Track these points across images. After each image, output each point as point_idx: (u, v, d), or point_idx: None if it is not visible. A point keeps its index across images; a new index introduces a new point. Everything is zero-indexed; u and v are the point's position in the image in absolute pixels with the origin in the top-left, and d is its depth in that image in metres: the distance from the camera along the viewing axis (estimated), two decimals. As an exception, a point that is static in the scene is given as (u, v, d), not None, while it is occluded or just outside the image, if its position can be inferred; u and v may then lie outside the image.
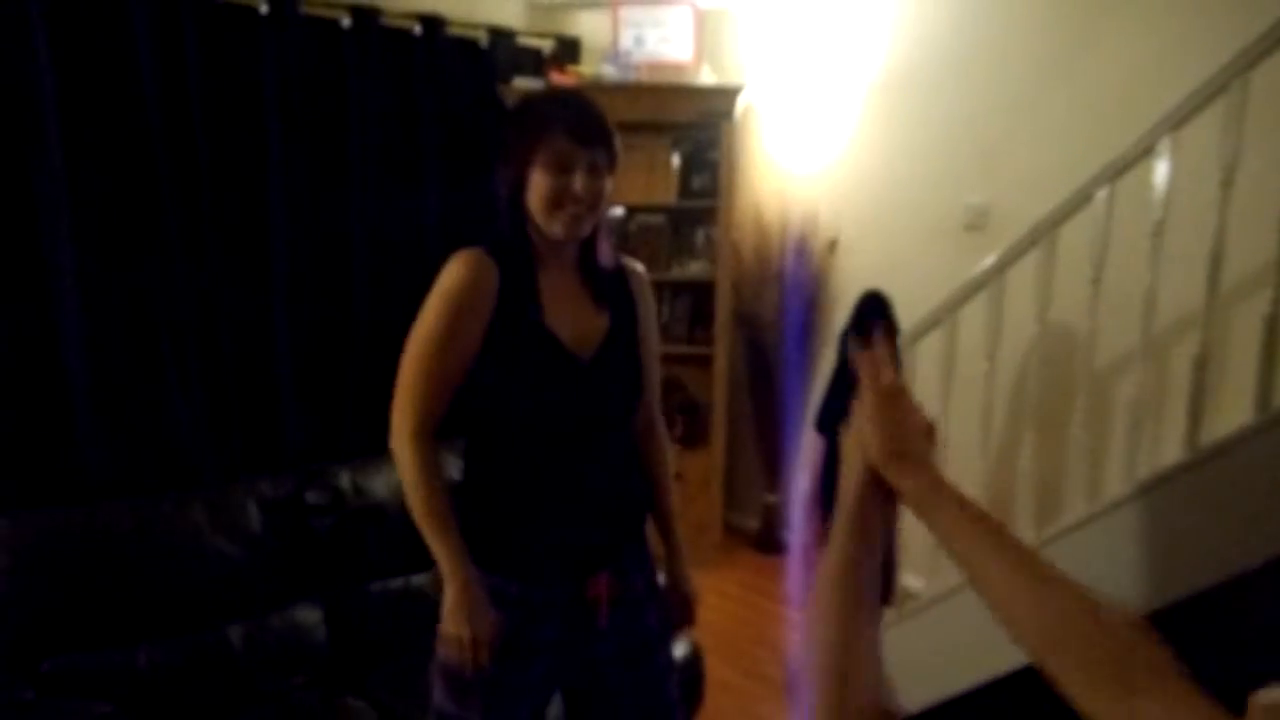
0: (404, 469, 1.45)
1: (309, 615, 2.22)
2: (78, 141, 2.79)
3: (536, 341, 1.42)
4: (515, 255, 1.45)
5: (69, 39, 2.74)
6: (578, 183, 1.35)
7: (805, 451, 3.83)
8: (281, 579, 2.21)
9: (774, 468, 4.05)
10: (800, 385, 3.87)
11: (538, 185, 1.37)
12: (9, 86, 2.67)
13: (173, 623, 2.01)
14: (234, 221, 3.15)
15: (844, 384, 2.87)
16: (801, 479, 3.92)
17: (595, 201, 1.38)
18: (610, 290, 1.50)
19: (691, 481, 3.86)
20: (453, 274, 1.47)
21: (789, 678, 3.00)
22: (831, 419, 2.90)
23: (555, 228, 1.38)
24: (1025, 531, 2.32)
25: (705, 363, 3.88)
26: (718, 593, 3.64)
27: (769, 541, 4.10)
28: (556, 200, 1.36)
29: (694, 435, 3.98)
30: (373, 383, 3.59)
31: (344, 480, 2.39)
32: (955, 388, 2.48)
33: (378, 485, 2.42)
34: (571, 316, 1.45)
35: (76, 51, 2.76)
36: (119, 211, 2.92)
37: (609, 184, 1.40)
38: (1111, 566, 2.09)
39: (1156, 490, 1.99)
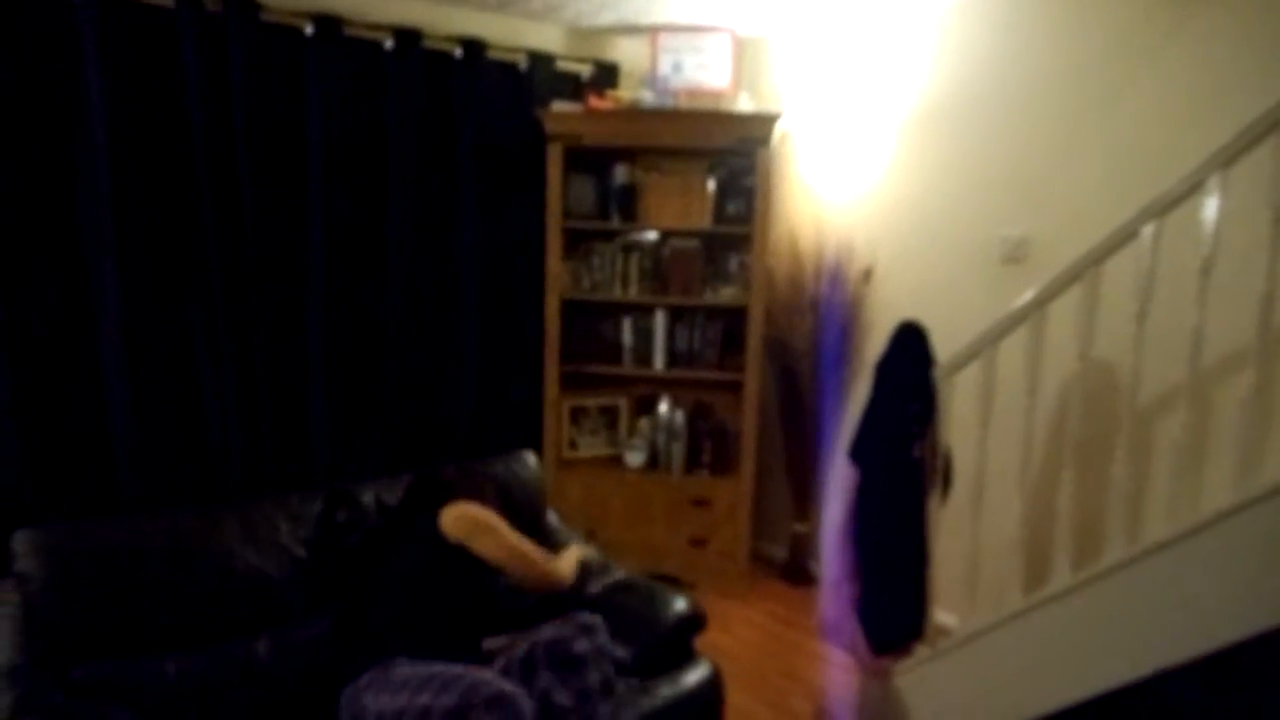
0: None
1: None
2: (122, 159, 2.86)
3: None
4: None
5: (118, 57, 2.81)
6: None
7: (837, 481, 3.79)
8: (309, 593, 2.22)
9: (804, 497, 4.01)
10: (833, 414, 3.84)
11: None
12: (59, 105, 2.74)
13: (202, 634, 2.02)
14: (272, 241, 3.20)
15: (878, 414, 2.84)
16: (833, 509, 3.87)
17: None
18: None
19: (719, 509, 3.83)
20: None
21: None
22: (865, 449, 2.87)
23: None
24: (1062, 572, 2.26)
25: (735, 389, 3.86)
26: (743, 621, 3.60)
27: (797, 572, 4.05)
28: None
29: (723, 462, 3.95)
30: (402, 402, 3.62)
31: (369, 498, 2.40)
32: (993, 421, 2.44)
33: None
34: None
35: (125, 69, 2.83)
36: (160, 233, 2.98)
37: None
38: (1153, 611, 2.03)
39: (1202, 534, 1.94)
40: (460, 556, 2.02)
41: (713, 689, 2.34)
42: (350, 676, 1.97)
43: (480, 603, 2.10)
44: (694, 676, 2.32)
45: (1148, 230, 2.07)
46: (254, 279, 3.16)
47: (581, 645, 1.99)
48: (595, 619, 2.07)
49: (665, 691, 2.24)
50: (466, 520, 2.02)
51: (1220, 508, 1.91)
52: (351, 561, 2.28)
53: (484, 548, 2.03)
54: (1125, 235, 2.11)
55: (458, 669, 1.85)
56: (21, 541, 1.91)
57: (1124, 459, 2.18)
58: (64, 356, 2.84)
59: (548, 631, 2.03)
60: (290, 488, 2.50)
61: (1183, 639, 1.97)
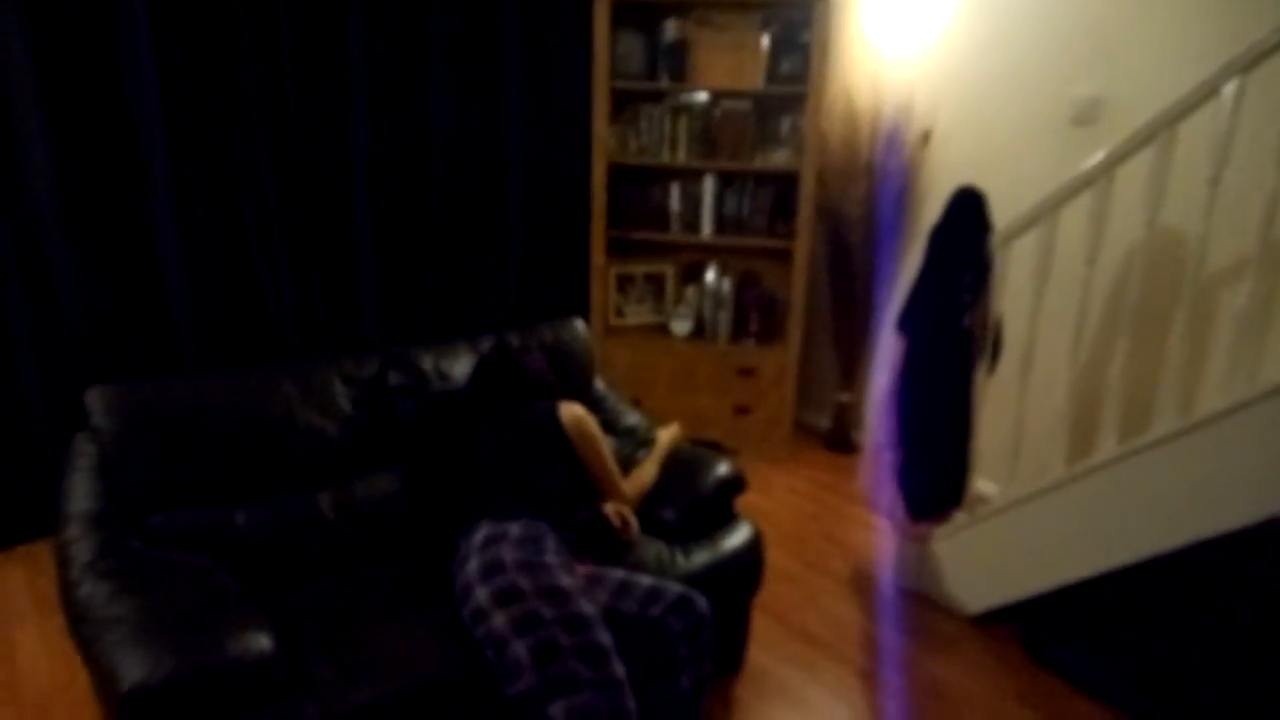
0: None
1: (392, 484, 2.32)
2: (163, 27, 2.81)
3: None
4: None
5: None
6: None
7: (886, 351, 3.77)
8: (366, 450, 2.31)
9: (850, 367, 4.01)
10: (884, 284, 3.77)
11: None
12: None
13: (266, 488, 2.13)
14: (317, 106, 3.17)
15: (929, 284, 2.77)
16: (881, 379, 3.87)
17: None
18: None
19: (764, 378, 3.85)
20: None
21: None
22: (914, 319, 2.82)
23: None
24: (1108, 442, 2.25)
25: (784, 257, 3.81)
26: (785, 487, 3.68)
27: (840, 440, 4.09)
28: None
29: (769, 332, 3.94)
30: (450, 269, 3.65)
31: (427, 363, 2.44)
32: (1049, 291, 2.38)
33: (458, 371, 2.47)
34: None
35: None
36: (205, 98, 2.96)
37: None
38: (1199, 481, 2.02)
39: (1259, 405, 1.90)
40: (568, 445, 2.18)
41: (753, 548, 2.42)
42: (447, 531, 2.07)
43: (578, 481, 2.22)
44: (735, 537, 2.40)
45: (1229, 88, 1.93)
46: (301, 148, 3.15)
47: (684, 649, 1.92)
48: (703, 607, 1.96)
49: (707, 550, 2.32)
50: (579, 424, 2.18)
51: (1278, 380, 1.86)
52: (420, 425, 2.35)
53: (582, 451, 2.19)
54: (1205, 93, 1.98)
55: (566, 580, 1.81)
56: (94, 397, 2.01)
57: (1183, 330, 2.12)
58: (121, 231, 2.90)
59: (646, 582, 1.97)
60: (343, 354, 2.57)
61: (1230, 509, 1.97)
